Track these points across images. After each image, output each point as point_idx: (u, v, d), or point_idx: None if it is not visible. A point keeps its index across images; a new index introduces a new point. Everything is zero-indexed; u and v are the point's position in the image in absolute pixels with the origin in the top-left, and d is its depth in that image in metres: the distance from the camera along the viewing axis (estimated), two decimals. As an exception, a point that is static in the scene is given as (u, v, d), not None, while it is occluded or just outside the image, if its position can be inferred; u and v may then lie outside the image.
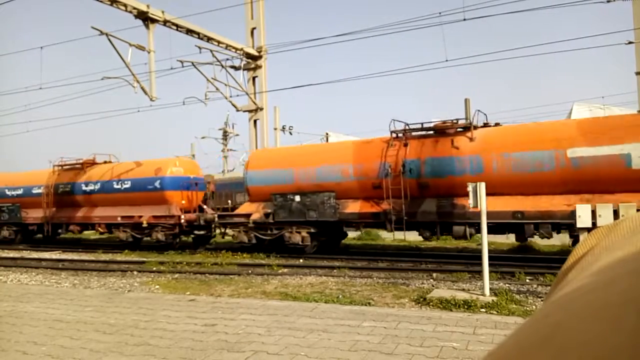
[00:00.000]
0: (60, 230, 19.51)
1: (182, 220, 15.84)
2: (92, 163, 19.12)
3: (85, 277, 11.10)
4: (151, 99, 16.45)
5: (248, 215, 14.44)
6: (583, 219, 9.85)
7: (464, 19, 14.15)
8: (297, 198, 13.47)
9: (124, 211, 17.12)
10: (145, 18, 15.98)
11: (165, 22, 16.63)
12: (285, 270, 11.13)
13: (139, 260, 13.90)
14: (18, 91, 27.91)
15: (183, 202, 16.64)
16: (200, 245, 16.51)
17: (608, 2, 12.87)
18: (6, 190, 20.73)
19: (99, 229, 17.78)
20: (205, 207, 17.17)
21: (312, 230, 13.50)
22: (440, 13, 14.33)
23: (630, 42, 14.33)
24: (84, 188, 18.27)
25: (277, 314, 6.15)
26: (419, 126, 12.64)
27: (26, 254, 16.76)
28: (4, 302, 7.45)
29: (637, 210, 9.42)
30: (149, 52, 16.25)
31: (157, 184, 16.54)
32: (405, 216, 11.97)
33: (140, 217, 16.49)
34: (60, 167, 19.53)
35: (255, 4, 19.60)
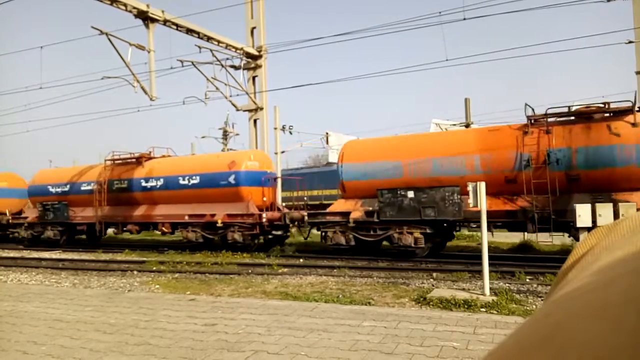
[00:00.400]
0: (114, 230, 18.05)
1: (264, 220, 14.47)
2: (149, 157, 17.67)
3: (85, 276, 11.10)
4: (151, 99, 16.45)
5: (345, 214, 12.88)
6: (583, 219, 9.86)
7: (464, 19, 14.15)
8: (410, 194, 11.83)
9: (192, 209, 15.62)
10: (145, 17, 15.98)
11: (165, 22, 16.63)
12: (285, 269, 11.13)
13: (139, 260, 13.90)
14: (18, 91, 27.88)
15: (264, 199, 15.42)
16: (273, 247, 14.91)
17: (608, 1, 12.87)
18: (49, 187, 19.31)
19: (163, 228, 16.23)
20: (280, 204, 16.00)
21: (428, 231, 11.88)
22: (440, 13, 14.32)
23: (630, 42, 14.33)
24: (143, 184, 16.74)
25: (277, 313, 6.15)
26: (564, 110, 11.13)
27: (26, 253, 16.76)
28: (4, 302, 7.46)
29: (637, 210, 9.42)
30: (148, 52, 16.25)
31: (231, 179, 15.04)
32: (553, 214, 10.50)
33: (213, 215, 15.07)
34: (113, 162, 18.11)
35: (255, 3, 19.59)
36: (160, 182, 16.47)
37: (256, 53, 19.50)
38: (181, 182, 15.95)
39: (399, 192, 11.99)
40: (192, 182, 15.74)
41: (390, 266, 11.47)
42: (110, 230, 18.76)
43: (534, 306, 6.90)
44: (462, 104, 22.27)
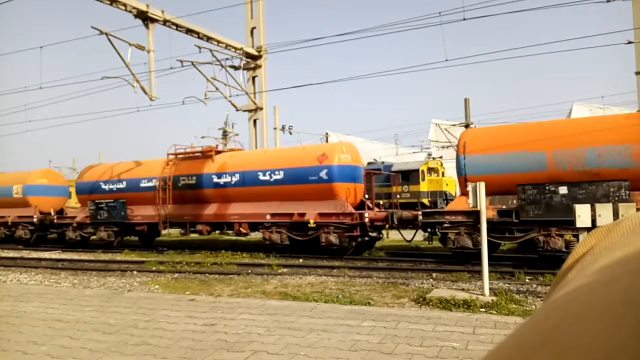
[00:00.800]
0: (181, 231, 16.21)
1: (366, 219, 12.99)
2: (219, 150, 16.17)
3: (85, 276, 11.10)
4: (151, 99, 16.44)
5: (471, 213, 11.08)
6: (583, 219, 9.85)
7: (464, 19, 14.16)
8: (563, 190, 10.19)
9: (275, 207, 14.08)
10: (145, 18, 15.97)
11: (164, 22, 16.63)
12: (285, 270, 11.13)
13: (139, 260, 13.89)
14: (17, 91, 27.89)
15: (366, 196, 14.19)
16: (363, 250, 13.97)
17: (608, 1, 12.88)
18: (101, 184, 17.76)
19: (241, 229, 14.58)
20: (368, 202, 14.61)
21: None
22: (440, 13, 14.33)
23: (630, 42, 14.35)
24: (215, 180, 15.13)
25: (277, 313, 6.15)
26: None
27: (25, 253, 16.75)
28: (3, 302, 7.45)
29: (637, 210, 9.43)
30: (148, 52, 16.25)
31: (323, 174, 13.46)
32: None
33: (302, 215, 13.51)
34: (177, 156, 16.53)
35: (255, 3, 19.60)
36: (235, 178, 14.82)
37: (256, 53, 19.50)
38: (261, 177, 14.37)
39: (547, 188, 10.34)
40: (274, 177, 14.14)
41: (389, 266, 11.47)
42: (171, 231, 17.33)
43: (534, 306, 6.90)
44: (462, 104, 22.29)
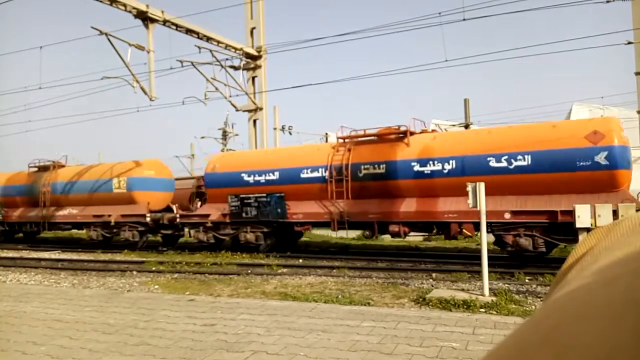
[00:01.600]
0: (366, 233, 13.09)
1: None
2: (412, 132, 12.66)
3: (85, 277, 11.09)
4: (151, 99, 16.44)
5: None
6: (582, 219, 9.85)
7: (464, 19, 14.16)
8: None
9: (518, 203, 10.96)
10: (144, 18, 15.97)
11: (164, 22, 16.63)
12: (285, 270, 11.12)
13: (138, 260, 13.88)
14: (17, 91, 27.90)
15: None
16: None
17: (608, 2, 12.88)
18: (244, 176, 14.48)
19: (465, 231, 11.52)
20: None
21: None
22: (440, 13, 14.33)
23: (629, 42, 14.35)
24: (416, 168, 12.03)
25: (277, 314, 6.15)
26: None
27: (25, 253, 16.74)
28: (3, 302, 7.45)
29: (637, 210, 9.42)
30: (148, 52, 16.25)
31: (599, 158, 10.20)
32: None
33: (567, 212, 10.21)
34: (352, 140, 13.33)
35: (255, 4, 19.60)
36: (449, 166, 11.63)
37: (256, 53, 19.50)
38: (492, 164, 11.15)
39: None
40: (515, 164, 10.95)
41: (389, 266, 11.47)
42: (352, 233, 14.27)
43: (534, 307, 6.90)
44: (462, 104, 22.29)
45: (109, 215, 16.86)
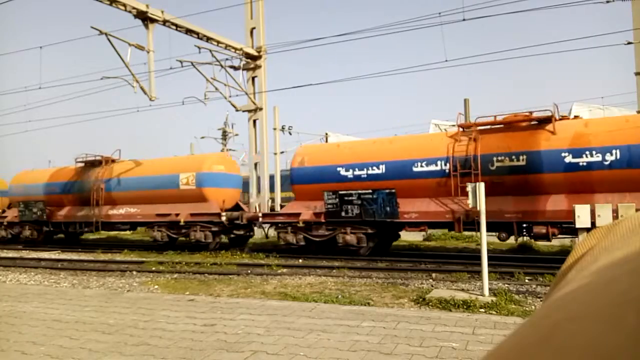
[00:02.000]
0: (503, 235, 11.31)
1: None
2: (551, 117, 10.91)
3: (84, 277, 11.09)
4: (150, 99, 16.42)
5: None
6: (582, 219, 9.85)
7: (464, 19, 14.15)
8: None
9: None
10: (144, 18, 15.97)
11: (164, 22, 16.62)
12: (285, 270, 11.12)
13: (138, 260, 13.88)
14: (17, 91, 27.88)
15: None
16: None
17: (607, 2, 12.88)
18: (340, 170, 13.03)
19: None
20: None
21: None
22: (440, 13, 14.32)
23: (629, 43, 14.35)
24: (567, 160, 10.34)
25: (276, 314, 6.15)
26: None
27: (25, 253, 16.74)
28: (3, 302, 7.44)
29: (637, 210, 9.43)
30: (148, 52, 16.24)
31: None
32: None
33: None
34: (477, 128, 11.65)
35: (255, 4, 19.59)
36: (611, 157, 9.94)
37: (256, 53, 19.50)
38: None
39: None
40: None
41: (389, 267, 11.47)
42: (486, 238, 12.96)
43: (533, 307, 6.90)
44: (462, 105, 22.29)
45: (177, 215, 15.33)
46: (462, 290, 7.79)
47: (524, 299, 7.41)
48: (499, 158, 11.23)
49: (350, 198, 12.40)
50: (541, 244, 12.81)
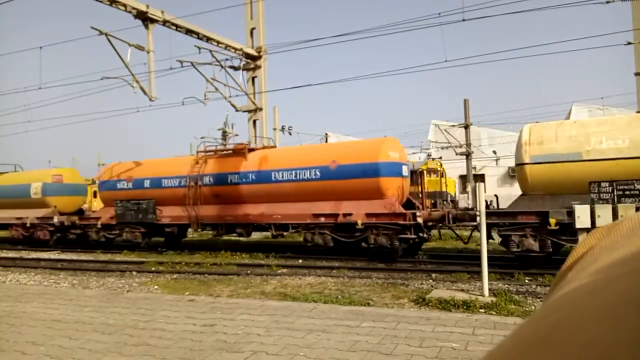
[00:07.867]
0: None
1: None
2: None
3: (84, 277, 11.09)
4: (150, 99, 16.42)
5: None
6: (582, 220, 9.86)
7: (464, 20, 14.16)
8: None
9: None
10: (144, 18, 15.96)
11: (164, 22, 16.62)
12: (285, 270, 11.12)
13: (138, 260, 13.87)
14: (17, 91, 27.81)
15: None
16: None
17: (607, 2, 12.89)
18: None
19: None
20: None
21: None
22: (439, 14, 14.35)
23: (629, 43, 14.36)
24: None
25: (276, 314, 6.15)
26: None
27: (25, 254, 16.73)
28: (2, 302, 7.44)
29: (637, 210, 9.43)
30: (148, 52, 16.23)
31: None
32: None
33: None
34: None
35: (255, 4, 19.59)
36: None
37: (255, 54, 19.49)
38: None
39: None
40: None
41: (389, 267, 11.46)
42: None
43: (533, 307, 6.90)
44: (462, 105, 22.29)
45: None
46: (462, 290, 7.79)
47: (524, 299, 7.41)
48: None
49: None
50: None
